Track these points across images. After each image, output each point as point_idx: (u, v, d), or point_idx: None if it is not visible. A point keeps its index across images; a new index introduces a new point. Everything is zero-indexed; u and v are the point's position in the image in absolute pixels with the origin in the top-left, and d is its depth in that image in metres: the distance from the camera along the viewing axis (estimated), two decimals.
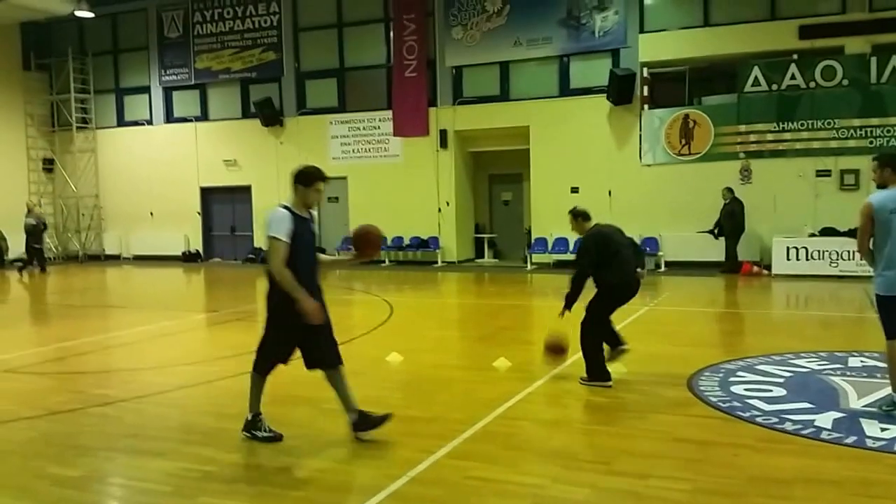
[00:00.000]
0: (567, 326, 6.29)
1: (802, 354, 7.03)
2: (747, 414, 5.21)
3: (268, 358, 4.94)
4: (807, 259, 13.79)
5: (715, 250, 15.21)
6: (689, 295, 12.35)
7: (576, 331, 6.31)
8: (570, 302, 6.16)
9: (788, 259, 13.98)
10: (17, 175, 21.20)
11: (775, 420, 5.06)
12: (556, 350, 6.26)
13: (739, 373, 6.41)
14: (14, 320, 11.11)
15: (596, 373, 6.12)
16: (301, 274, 4.81)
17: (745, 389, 5.86)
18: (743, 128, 15.16)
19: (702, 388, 5.93)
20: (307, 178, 4.98)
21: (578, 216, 6.59)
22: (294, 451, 4.64)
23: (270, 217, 4.77)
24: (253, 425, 4.90)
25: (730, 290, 12.92)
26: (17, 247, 19.97)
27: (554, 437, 4.85)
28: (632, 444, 4.66)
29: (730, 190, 14.59)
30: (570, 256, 16.39)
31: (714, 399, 5.59)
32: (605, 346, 6.32)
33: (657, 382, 6.18)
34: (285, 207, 4.86)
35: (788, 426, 4.93)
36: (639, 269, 6.38)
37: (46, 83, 21.78)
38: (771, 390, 5.83)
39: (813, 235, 14.06)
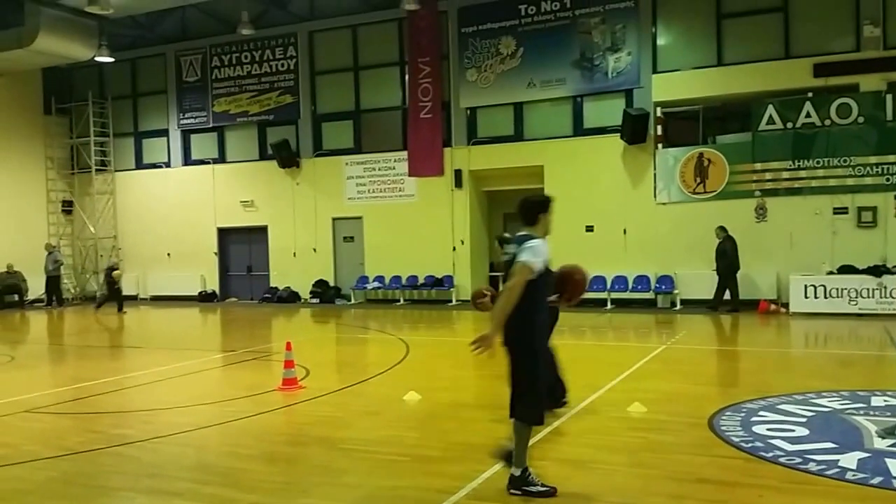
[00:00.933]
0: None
1: (824, 393, 6.92)
2: (770, 454, 5.12)
3: (539, 399, 4.50)
4: (825, 297, 13.64)
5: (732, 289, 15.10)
6: (706, 333, 12.23)
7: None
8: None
9: (806, 297, 13.84)
10: (37, 217, 21.58)
11: (799, 460, 4.97)
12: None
13: (761, 412, 6.31)
14: (33, 360, 11.19)
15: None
16: (542, 310, 4.64)
17: (768, 429, 5.76)
18: (758, 166, 15.19)
19: (723, 427, 5.84)
20: (547, 205, 4.94)
21: (503, 244, 6.85)
22: (313, 493, 4.61)
23: (531, 245, 4.59)
24: (524, 482, 4.45)
25: (748, 328, 12.79)
26: (36, 287, 20.27)
27: (574, 477, 4.78)
28: (654, 485, 4.59)
29: (722, 229, 14.68)
30: (585, 295, 16.31)
31: (736, 439, 5.50)
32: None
33: (678, 422, 6.10)
34: (535, 237, 4.66)
35: (812, 467, 4.83)
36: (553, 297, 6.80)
37: (66, 127, 22.31)
38: (793, 430, 5.74)
39: (831, 273, 13.94)
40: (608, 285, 16.16)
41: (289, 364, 7.86)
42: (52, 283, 20.19)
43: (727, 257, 14.37)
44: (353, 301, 18.75)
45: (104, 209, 22.04)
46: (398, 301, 18.20)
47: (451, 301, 17.78)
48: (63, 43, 18.14)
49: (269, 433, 6.25)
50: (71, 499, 4.59)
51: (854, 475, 4.64)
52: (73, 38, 18.27)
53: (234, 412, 6.95)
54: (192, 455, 5.69)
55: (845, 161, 14.49)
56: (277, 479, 4.93)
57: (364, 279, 18.89)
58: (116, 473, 5.17)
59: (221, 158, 20.82)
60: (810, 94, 14.73)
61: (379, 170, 18.75)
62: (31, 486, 4.88)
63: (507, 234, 6.60)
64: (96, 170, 21.71)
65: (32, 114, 21.56)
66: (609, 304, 15.95)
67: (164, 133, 21.53)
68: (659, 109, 15.97)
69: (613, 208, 16.24)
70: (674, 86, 15.78)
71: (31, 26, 17.58)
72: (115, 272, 18.36)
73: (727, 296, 14.57)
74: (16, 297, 19.89)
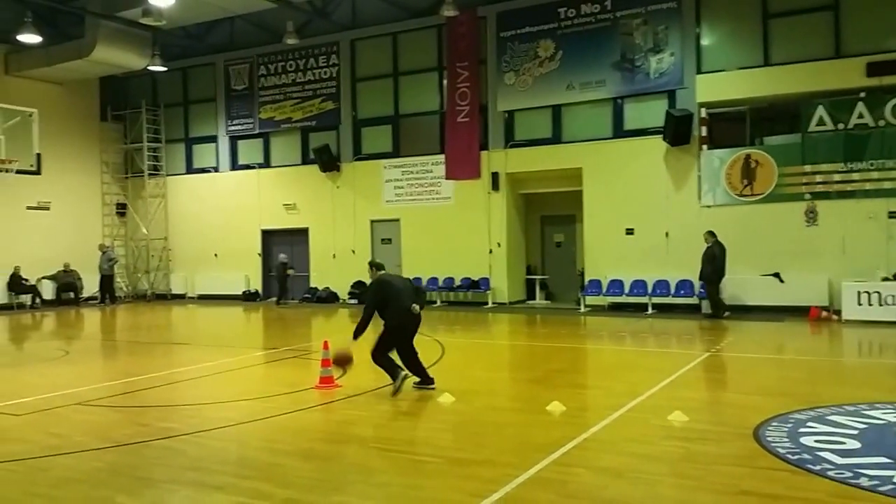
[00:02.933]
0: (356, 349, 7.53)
1: (878, 405, 6.64)
2: (818, 467, 4.93)
3: None
4: (880, 304, 13.12)
5: (780, 294, 14.70)
6: (752, 340, 11.88)
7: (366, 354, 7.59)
8: (357, 332, 7.50)
9: (860, 304, 13.34)
10: (93, 219, 22.40)
11: (849, 475, 4.77)
12: (342, 361, 7.56)
13: (809, 423, 6.09)
14: (86, 355, 11.59)
15: (393, 373, 7.49)
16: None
17: (816, 441, 5.56)
18: (808, 168, 14.73)
19: (769, 438, 5.66)
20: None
21: (373, 266, 8.07)
22: (347, 490, 4.64)
23: None
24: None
25: (797, 336, 12.39)
26: (91, 286, 21.01)
27: (611, 486, 4.70)
28: (695, 497, 4.47)
29: (711, 234, 14.53)
30: (626, 299, 16.12)
31: (782, 451, 5.32)
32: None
33: (721, 432, 5.93)
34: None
35: (864, 482, 4.63)
36: (415, 305, 7.64)
37: (121, 133, 23.13)
38: (844, 443, 5.51)
39: (886, 279, 13.41)
40: (649, 290, 15.88)
41: (326, 363, 7.95)
42: (106, 281, 20.92)
43: (716, 262, 14.24)
44: None
45: (156, 212, 22.73)
46: (434, 303, 18.23)
47: (487, 303, 17.73)
48: (119, 53, 18.95)
49: (306, 430, 6.33)
50: (117, 489, 4.72)
51: None
52: (128, 49, 19.07)
53: (273, 408, 7.06)
54: (233, 449, 5.80)
55: None
56: (313, 476, 4.99)
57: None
58: (161, 465, 5.31)
59: (266, 163, 21.26)
60: (863, 94, 14.22)
61: (416, 173, 18.85)
62: (79, 476, 5.04)
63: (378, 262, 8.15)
64: (149, 174, 22.44)
65: (89, 121, 22.40)
66: (650, 308, 15.66)
67: (212, 139, 22.11)
68: (703, 110, 15.64)
69: (655, 211, 15.96)
70: (719, 86, 15.43)
71: (90, 38, 18.44)
72: (291, 269, 19.48)
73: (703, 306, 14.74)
74: (72, 295, 20.65)
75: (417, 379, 7.79)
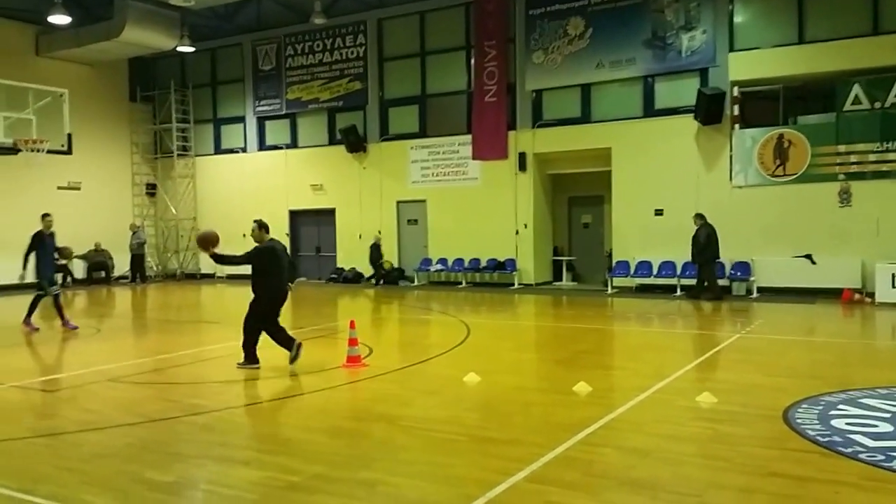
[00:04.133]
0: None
1: None
2: (849, 450, 4.86)
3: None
4: None
5: (812, 276, 14.44)
6: (784, 322, 11.71)
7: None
8: (218, 258, 7.91)
9: (894, 287, 13.05)
10: (123, 199, 22.78)
11: (881, 458, 4.69)
12: (205, 241, 7.83)
13: (840, 406, 6.00)
14: (117, 333, 11.85)
15: (249, 357, 7.73)
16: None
17: (847, 424, 5.47)
18: (842, 148, 14.37)
19: (799, 420, 5.58)
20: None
21: (261, 227, 8.17)
22: (374, 467, 4.70)
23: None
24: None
25: (829, 318, 12.16)
26: (122, 265, 21.41)
27: (639, 466, 4.68)
28: (723, 477, 4.44)
29: (700, 216, 14.45)
30: (654, 280, 15.97)
31: (812, 433, 5.25)
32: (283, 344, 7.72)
33: (750, 414, 5.87)
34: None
35: None
36: (290, 284, 7.87)
37: (150, 114, 23.39)
38: (876, 426, 5.42)
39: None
40: (678, 271, 15.70)
41: (353, 342, 8.02)
42: (137, 260, 21.32)
43: (704, 245, 14.24)
44: (416, 283, 18.93)
45: (185, 192, 23.03)
46: (460, 284, 18.25)
47: (513, 284, 17.69)
48: (148, 34, 19.09)
49: (333, 408, 6.41)
50: (147, 464, 4.83)
51: None
52: (157, 30, 19.20)
53: (300, 386, 7.16)
54: (261, 426, 5.90)
55: None
56: (340, 453, 5.05)
57: (427, 261, 19.03)
58: (189, 441, 5.42)
59: (293, 144, 21.35)
60: None
61: (443, 154, 18.79)
62: (110, 451, 5.16)
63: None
64: (178, 154, 22.69)
65: (119, 101, 22.68)
66: (679, 290, 15.50)
67: (240, 120, 22.25)
68: (736, 89, 15.31)
69: (685, 191, 15.73)
70: (752, 64, 15.07)
71: (119, 19, 18.59)
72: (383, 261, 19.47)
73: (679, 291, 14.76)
74: (103, 274, 21.09)
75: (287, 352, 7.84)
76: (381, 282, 19.01)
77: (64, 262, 16.91)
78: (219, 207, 22.43)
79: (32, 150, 14.77)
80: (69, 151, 16.32)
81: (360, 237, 19.99)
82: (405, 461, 4.84)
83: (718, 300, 14.03)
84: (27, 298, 11.50)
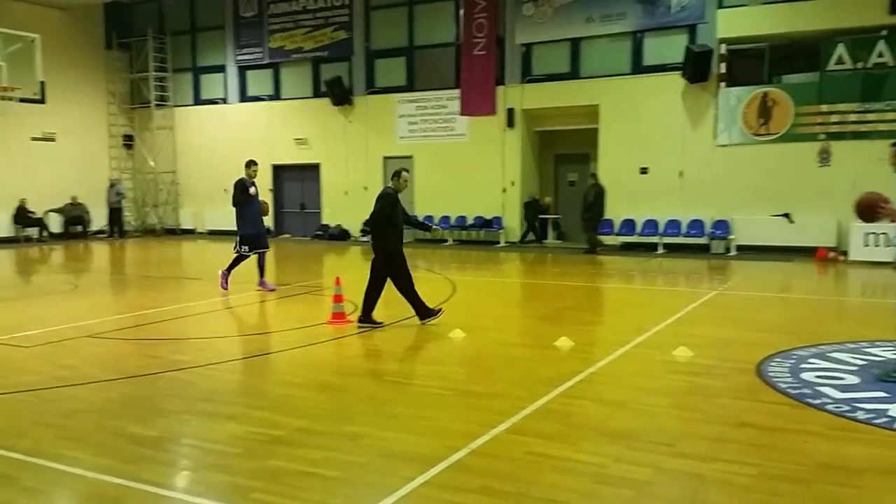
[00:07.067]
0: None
1: (878, 343, 6.71)
2: (817, 401, 5.04)
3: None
4: (886, 245, 13.07)
5: (789, 234, 14.66)
6: (760, 280, 11.93)
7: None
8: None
9: (866, 245, 13.32)
10: (100, 151, 22.32)
11: (847, 408, 4.87)
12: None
13: (811, 360, 6.19)
14: (96, 288, 11.78)
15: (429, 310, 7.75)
16: None
17: (817, 377, 5.65)
18: (825, 107, 14.42)
19: (771, 374, 5.75)
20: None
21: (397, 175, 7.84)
22: (358, 420, 4.78)
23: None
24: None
25: (804, 275, 12.40)
26: (99, 219, 21.14)
27: (616, 417, 4.81)
28: (697, 428, 4.58)
29: (593, 176, 15.61)
30: (637, 238, 16.10)
31: (783, 385, 5.42)
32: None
33: (725, 367, 6.04)
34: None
35: (860, 415, 4.74)
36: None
37: (127, 62, 22.75)
38: (843, 378, 5.61)
39: (894, 221, 13.28)
40: (660, 229, 15.84)
41: (338, 298, 8.05)
42: (115, 215, 21.06)
43: (590, 204, 15.02)
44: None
45: (163, 144, 22.61)
46: (446, 241, 18.28)
47: (499, 242, 17.76)
48: None
49: (318, 364, 6.47)
50: (128, 419, 4.85)
51: None
52: None
53: (285, 343, 7.20)
54: (245, 381, 5.95)
55: None
56: (325, 407, 5.12)
57: (413, 218, 18.95)
58: (172, 396, 5.43)
59: (276, 95, 20.96)
60: (884, 33, 13.80)
61: (431, 108, 18.57)
62: (90, 406, 5.16)
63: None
64: (156, 105, 22.19)
65: (94, 49, 22.02)
66: (660, 248, 15.66)
67: (221, 69, 21.73)
68: (723, 46, 15.20)
69: (670, 150, 15.75)
70: (740, 21, 14.95)
71: None
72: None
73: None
74: (80, 228, 20.82)
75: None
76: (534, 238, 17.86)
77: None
78: (199, 161, 22.09)
79: (4, 99, 14.37)
80: (42, 100, 15.94)
81: (346, 193, 19.85)
82: (389, 415, 4.93)
83: (592, 254, 15.06)
84: None
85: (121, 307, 9.80)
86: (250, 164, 10.46)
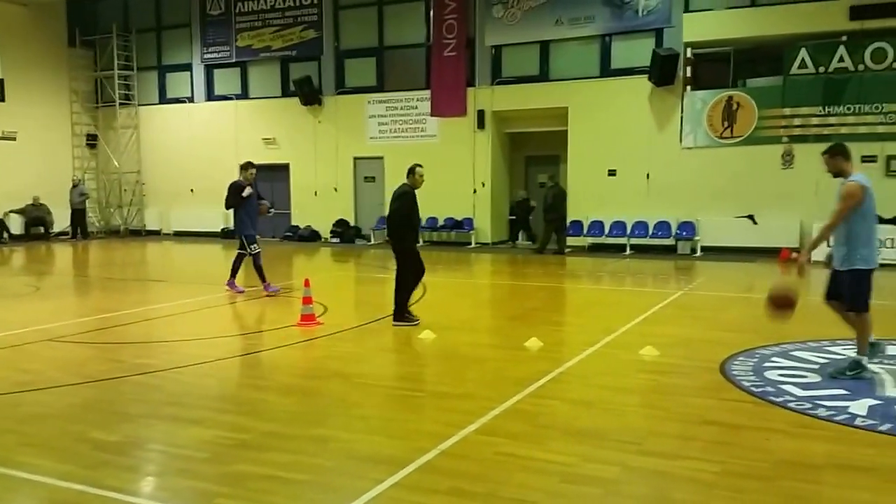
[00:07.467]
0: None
1: (839, 342, 6.87)
2: (780, 399, 5.15)
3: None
4: None
5: (753, 235, 14.95)
6: (725, 280, 12.16)
7: None
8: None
9: (829, 246, 13.59)
10: (62, 150, 21.79)
11: (808, 406, 4.99)
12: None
13: (774, 358, 6.33)
14: (58, 291, 11.49)
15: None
16: None
17: (780, 375, 5.78)
18: (787, 111, 14.75)
19: (735, 372, 5.87)
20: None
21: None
22: (327, 423, 4.74)
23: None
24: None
25: (768, 276, 12.64)
26: (62, 220, 20.64)
27: (584, 416, 4.86)
28: (662, 426, 4.65)
29: (552, 178, 16.01)
30: (605, 240, 16.28)
31: (747, 384, 5.53)
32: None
33: (690, 366, 6.14)
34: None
35: (822, 412, 4.86)
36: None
37: (91, 60, 22.25)
38: (805, 376, 5.75)
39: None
40: (628, 231, 16.04)
41: (307, 300, 7.98)
42: (78, 216, 20.57)
43: (546, 204, 15.44)
44: (372, 241, 18.85)
45: (128, 143, 22.17)
46: (417, 243, 18.22)
47: (470, 244, 17.79)
48: None
49: (287, 366, 6.41)
50: (92, 424, 4.74)
51: (863, 421, 4.66)
52: None
53: (252, 345, 7.13)
54: (211, 385, 5.86)
55: (877, 108, 14.04)
56: (293, 410, 5.08)
57: (384, 220, 18.90)
58: (137, 401, 5.33)
59: (244, 94, 20.70)
60: (844, 38, 14.17)
61: (401, 109, 18.53)
62: (52, 411, 5.04)
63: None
64: (120, 104, 21.74)
65: (56, 46, 21.50)
66: (628, 249, 15.86)
67: (187, 67, 21.39)
68: (689, 50, 15.46)
69: (638, 152, 15.96)
70: (705, 26, 15.21)
71: None
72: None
73: (525, 241, 16.38)
74: (42, 230, 20.30)
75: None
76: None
77: None
78: (164, 161, 21.71)
79: None
80: (2, 98, 15.51)
81: (315, 194, 19.70)
82: (359, 417, 4.90)
83: (539, 253, 15.45)
84: None
85: (84, 310, 9.59)
86: (247, 166, 10.42)
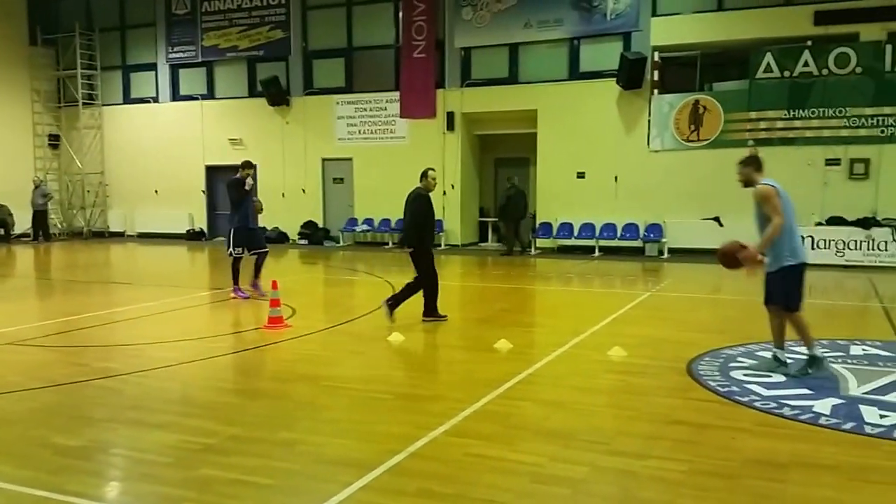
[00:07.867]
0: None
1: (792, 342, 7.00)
2: (746, 398, 5.22)
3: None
4: (812, 248, 13.69)
5: (719, 237, 15.14)
6: (692, 281, 12.33)
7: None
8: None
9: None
10: (24, 151, 21.24)
11: (773, 405, 5.07)
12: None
13: (740, 358, 6.42)
14: (19, 294, 11.18)
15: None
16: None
17: (745, 375, 5.87)
18: (753, 114, 15.04)
19: (701, 372, 5.94)
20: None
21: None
22: (294, 427, 4.67)
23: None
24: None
25: (733, 277, 12.83)
26: (23, 222, 20.09)
27: (553, 417, 4.87)
28: (630, 426, 4.68)
29: (510, 179, 16.27)
30: (575, 242, 16.40)
31: (713, 384, 5.60)
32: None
33: (657, 366, 6.20)
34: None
35: (786, 411, 4.93)
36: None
37: (53, 59, 21.74)
38: (770, 376, 5.84)
39: (820, 224, 13.98)
40: (597, 233, 16.18)
41: (274, 303, 7.88)
42: (40, 217, 20.04)
43: (515, 206, 15.91)
44: (341, 243, 18.73)
45: (91, 144, 21.70)
46: (387, 244, 18.18)
47: (439, 245, 17.76)
48: None
49: (254, 369, 6.31)
50: (53, 429, 4.62)
51: (827, 420, 4.74)
52: None
53: (219, 348, 7.00)
54: (176, 389, 5.74)
55: (840, 112, 14.38)
56: (260, 413, 4.99)
57: (353, 221, 18.82)
58: (100, 405, 5.21)
59: (210, 95, 20.41)
60: (809, 43, 14.51)
61: (370, 110, 18.45)
62: (13, 416, 4.91)
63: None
64: (83, 104, 21.28)
65: (17, 44, 20.96)
66: (597, 251, 16.00)
67: (152, 67, 21.02)
68: (657, 54, 15.68)
69: (606, 155, 16.12)
70: (673, 30, 15.45)
71: None
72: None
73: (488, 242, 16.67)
74: (2, 232, 19.74)
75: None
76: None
77: None
78: (129, 161, 21.30)
79: None
80: None
81: (283, 196, 19.49)
82: (327, 420, 4.84)
83: (507, 255, 15.83)
84: None
85: (46, 313, 9.34)
86: (246, 165, 10.34)
